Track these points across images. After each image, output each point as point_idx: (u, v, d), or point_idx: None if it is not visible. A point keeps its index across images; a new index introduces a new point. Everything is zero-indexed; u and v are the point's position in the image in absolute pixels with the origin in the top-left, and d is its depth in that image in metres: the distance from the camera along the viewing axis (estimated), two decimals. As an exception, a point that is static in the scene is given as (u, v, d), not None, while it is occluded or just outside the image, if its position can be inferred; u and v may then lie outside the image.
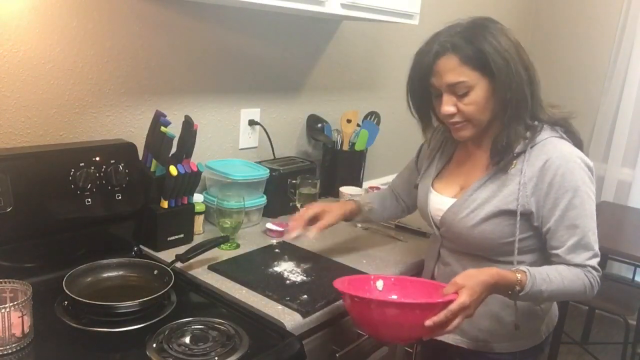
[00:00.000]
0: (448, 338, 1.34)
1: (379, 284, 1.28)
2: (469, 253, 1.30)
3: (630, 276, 2.86)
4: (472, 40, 1.16)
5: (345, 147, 2.12)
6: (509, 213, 1.21)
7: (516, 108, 1.18)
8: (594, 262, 1.20)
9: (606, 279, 2.69)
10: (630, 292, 2.64)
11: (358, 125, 2.15)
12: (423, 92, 1.27)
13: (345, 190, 2.00)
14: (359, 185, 2.15)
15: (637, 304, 2.55)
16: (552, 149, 1.20)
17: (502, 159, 1.23)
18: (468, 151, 1.35)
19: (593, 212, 1.20)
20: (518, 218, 1.20)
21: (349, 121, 2.11)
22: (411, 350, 1.59)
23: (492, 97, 1.19)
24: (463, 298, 1.06)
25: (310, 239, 1.43)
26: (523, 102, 1.18)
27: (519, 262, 1.23)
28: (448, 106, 1.21)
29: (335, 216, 1.46)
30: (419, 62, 1.23)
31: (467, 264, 1.26)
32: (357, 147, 2.12)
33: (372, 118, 2.21)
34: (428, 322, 1.05)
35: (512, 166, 1.22)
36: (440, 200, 1.34)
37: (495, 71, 1.15)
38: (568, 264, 1.20)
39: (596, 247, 1.20)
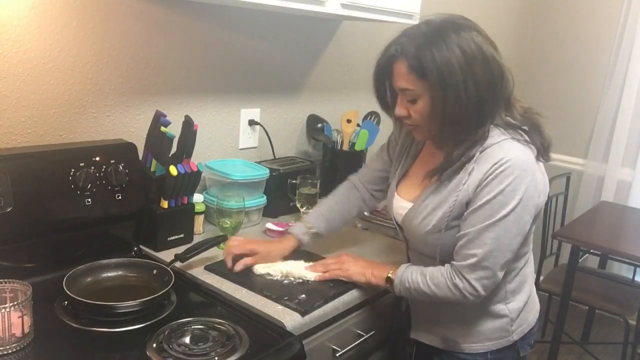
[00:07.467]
0: (424, 339, 1.36)
1: None
2: (433, 257, 1.26)
3: (630, 276, 2.85)
4: (421, 49, 1.10)
5: (345, 147, 2.11)
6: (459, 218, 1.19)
7: (455, 124, 1.13)
8: (476, 275, 1.15)
9: (606, 279, 2.73)
10: (630, 292, 2.64)
11: (358, 125, 2.15)
12: (384, 91, 1.27)
13: (345, 190, 2.00)
14: (359, 185, 2.15)
15: (637, 304, 2.54)
16: (503, 152, 1.13)
17: (442, 174, 1.20)
18: (431, 150, 1.30)
19: (513, 234, 1.14)
20: (450, 210, 1.18)
21: (349, 121, 2.10)
22: (411, 351, 1.59)
23: (438, 110, 1.14)
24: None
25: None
26: (464, 121, 1.12)
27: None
28: (400, 108, 1.20)
29: (270, 261, 1.40)
30: (379, 60, 1.21)
31: (432, 265, 1.25)
32: (357, 147, 2.12)
33: (372, 118, 2.21)
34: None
35: (463, 170, 1.18)
36: (400, 205, 1.33)
37: (433, 86, 1.11)
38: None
39: (496, 269, 1.15)
